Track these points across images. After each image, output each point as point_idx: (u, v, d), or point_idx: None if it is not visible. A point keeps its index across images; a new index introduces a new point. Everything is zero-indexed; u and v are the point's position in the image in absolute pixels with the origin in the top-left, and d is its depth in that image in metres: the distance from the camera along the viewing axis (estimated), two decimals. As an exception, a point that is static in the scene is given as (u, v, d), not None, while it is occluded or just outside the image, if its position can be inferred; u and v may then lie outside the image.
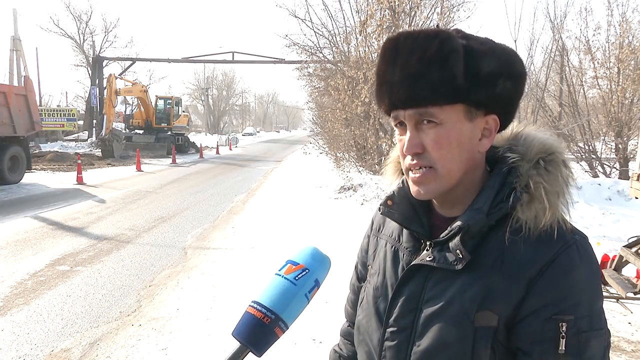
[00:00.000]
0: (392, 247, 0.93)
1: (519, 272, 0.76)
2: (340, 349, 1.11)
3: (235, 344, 0.74)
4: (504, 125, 0.85)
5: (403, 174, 0.89)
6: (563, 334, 0.72)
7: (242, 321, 0.76)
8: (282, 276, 0.79)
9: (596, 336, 0.74)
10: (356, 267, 1.06)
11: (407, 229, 0.90)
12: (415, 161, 0.81)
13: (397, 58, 0.78)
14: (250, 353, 0.74)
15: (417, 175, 0.81)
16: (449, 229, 0.81)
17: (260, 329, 0.74)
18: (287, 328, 0.76)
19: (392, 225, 0.96)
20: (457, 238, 0.79)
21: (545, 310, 0.74)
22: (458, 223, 0.80)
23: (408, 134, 0.81)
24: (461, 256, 0.78)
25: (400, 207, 0.90)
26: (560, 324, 0.73)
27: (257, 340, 0.74)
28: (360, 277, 1.03)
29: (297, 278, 0.78)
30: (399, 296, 0.86)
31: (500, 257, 0.78)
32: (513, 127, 0.88)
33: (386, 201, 0.92)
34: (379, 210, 0.93)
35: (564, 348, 0.72)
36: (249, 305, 0.77)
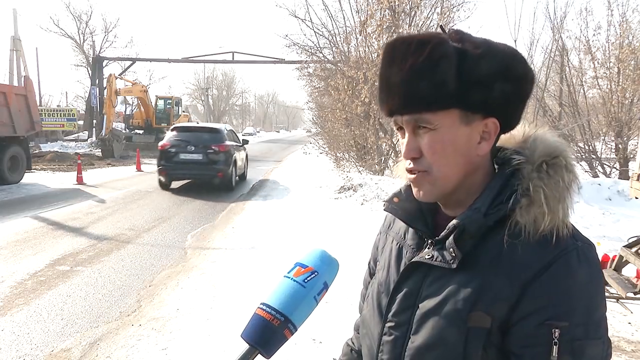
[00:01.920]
0: (397, 244, 0.95)
1: (515, 275, 0.75)
2: (353, 343, 1.13)
3: (244, 346, 0.75)
4: (507, 128, 0.84)
5: None
6: (556, 341, 0.71)
7: (251, 323, 0.76)
8: (291, 278, 0.79)
9: (593, 345, 0.73)
10: (369, 263, 1.08)
11: (411, 227, 0.91)
12: (412, 165, 0.82)
13: (393, 63, 0.79)
14: (259, 355, 0.74)
15: (414, 177, 0.83)
16: (447, 227, 0.82)
17: (269, 330, 0.74)
18: (296, 330, 0.77)
19: (400, 223, 0.97)
20: (452, 237, 0.80)
21: (538, 315, 0.73)
22: (454, 222, 0.80)
23: (406, 138, 0.82)
24: (454, 254, 0.79)
25: (405, 204, 0.91)
26: (553, 329, 0.72)
27: (266, 342, 0.74)
28: (372, 272, 1.05)
29: (306, 280, 0.79)
30: (398, 292, 0.87)
31: (497, 259, 0.77)
32: (525, 129, 0.87)
33: (392, 198, 0.93)
34: (384, 206, 0.94)
35: (556, 355, 0.71)
36: (258, 307, 0.77)
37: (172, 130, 11.86)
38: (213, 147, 10.92)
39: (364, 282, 1.10)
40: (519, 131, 0.87)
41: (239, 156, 12.28)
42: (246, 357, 0.73)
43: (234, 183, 11.67)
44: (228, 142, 11.43)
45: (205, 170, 11.01)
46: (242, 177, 13.33)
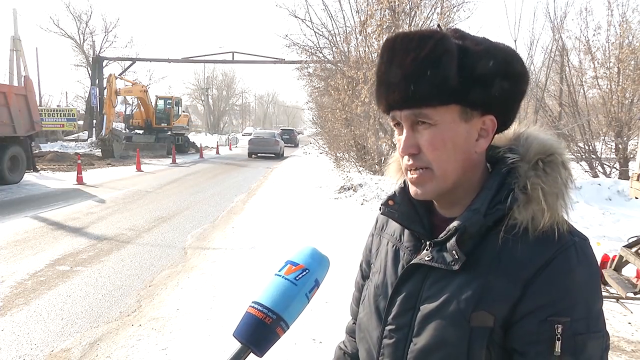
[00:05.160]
0: (393, 246, 0.94)
1: (516, 273, 0.75)
2: (345, 346, 1.12)
3: (236, 345, 0.74)
4: (504, 126, 0.85)
5: None
6: (559, 336, 0.72)
7: (243, 321, 0.76)
8: (283, 277, 0.79)
9: (593, 338, 0.74)
10: (361, 265, 1.07)
11: (407, 229, 0.91)
12: (411, 162, 0.82)
13: (394, 59, 0.78)
14: (251, 354, 0.74)
15: (414, 176, 0.82)
16: (447, 229, 0.81)
17: (261, 329, 0.74)
18: (288, 328, 0.76)
19: (394, 225, 0.96)
20: (453, 239, 0.79)
21: (541, 311, 0.73)
22: (455, 224, 0.80)
23: (404, 134, 0.81)
24: (457, 257, 0.78)
25: (401, 207, 0.90)
26: (555, 325, 0.72)
27: (258, 340, 0.74)
28: (365, 275, 1.04)
29: (297, 278, 0.78)
30: (397, 294, 0.87)
31: (497, 258, 0.77)
32: (515, 127, 0.87)
33: (387, 201, 0.92)
34: (380, 210, 0.94)
35: (559, 350, 0.72)
36: (250, 306, 0.77)
37: (280, 130, 42.00)
38: (291, 135, 41.29)
39: (355, 285, 1.09)
40: (509, 129, 0.87)
41: (297, 137, 43.52)
42: (239, 356, 0.73)
43: (297, 145, 38.62)
44: (295, 133, 44.03)
45: (290, 142, 37.90)
46: (297, 145, 38.23)
